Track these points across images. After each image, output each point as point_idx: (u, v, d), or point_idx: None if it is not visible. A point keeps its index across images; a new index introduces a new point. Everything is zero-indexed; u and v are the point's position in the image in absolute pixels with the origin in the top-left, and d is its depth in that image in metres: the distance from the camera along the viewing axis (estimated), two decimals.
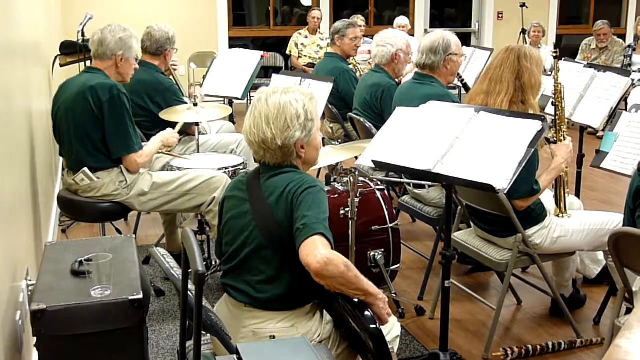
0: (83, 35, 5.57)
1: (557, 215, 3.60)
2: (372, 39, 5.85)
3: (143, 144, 4.02)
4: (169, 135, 4.17)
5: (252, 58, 5.49)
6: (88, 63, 5.55)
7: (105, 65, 3.89)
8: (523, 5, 10.33)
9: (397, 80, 5.13)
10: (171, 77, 4.99)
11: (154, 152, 4.07)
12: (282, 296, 2.45)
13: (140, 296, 2.40)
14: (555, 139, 3.63)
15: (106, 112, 3.71)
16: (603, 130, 4.22)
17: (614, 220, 3.59)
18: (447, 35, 4.25)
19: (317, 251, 2.23)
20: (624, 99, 5.59)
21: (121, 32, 3.88)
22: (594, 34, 9.66)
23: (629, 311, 3.07)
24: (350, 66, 6.26)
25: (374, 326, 2.30)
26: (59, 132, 3.91)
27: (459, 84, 5.36)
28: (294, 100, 2.45)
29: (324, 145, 4.13)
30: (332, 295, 2.47)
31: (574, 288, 3.99)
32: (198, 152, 4.57)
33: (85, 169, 3.78)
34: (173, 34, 4.80)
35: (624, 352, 1.34)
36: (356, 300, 2.38)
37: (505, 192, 2.80)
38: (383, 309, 2.43)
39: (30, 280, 2.83)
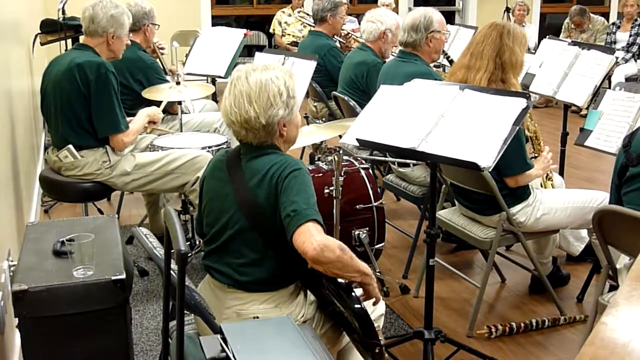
0: (64, 13, 5.50)
1: (542, 185, 3.61)
2: (356, 17, 5.82)
3: (128, 119, 3.99)
4: (156, 111, 4.15)
5: (235, 36, 5.44)
6: (69, 42, 5.51)
7: (95, 42, 3.85)
8: None
9: (382, 60, 5.10)
10: (157, 59, 4.95)
11: (140, 130, 4.03)
12: (265, 279, 2.43)
13: (123, 276, 2.39)
14: (535, 154, 3.66)
15: (93, 91, 3.68)
16: (587, 108, 4.22)
17: (597, 198, 3.60)
18: (429, 13, 4.22)
19: (312, 238, 2.20)
20: (608, 77, 5.59)
21: (113, 8, 3.83)
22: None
23: (612, 289, 3.09)
24: (337, 44, 6.21)
25: (359, 306, 2.29)
26: (46, 109, 3.88)
27: (446, 61, 5.32)
28: (275, 77, 2.41)
29: (307, 124, 4.11)
30: (315, 277, 2.45)
31: (554, 266, 4.02)
32: (181, 131, 4.53)
33: (70, 146, 3.75)
34: (150, 9, 4.76)
35: (610, 329, 1.35)
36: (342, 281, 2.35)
37: (492, 169, 2.79)
38: (376, 288, 2.41)
39: (11, 261, 2.82)
